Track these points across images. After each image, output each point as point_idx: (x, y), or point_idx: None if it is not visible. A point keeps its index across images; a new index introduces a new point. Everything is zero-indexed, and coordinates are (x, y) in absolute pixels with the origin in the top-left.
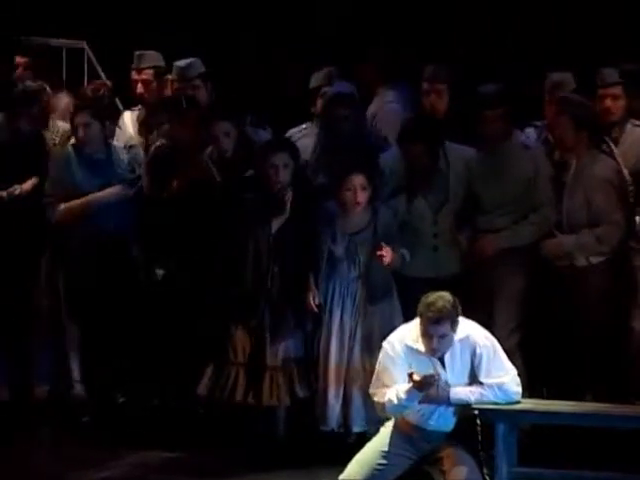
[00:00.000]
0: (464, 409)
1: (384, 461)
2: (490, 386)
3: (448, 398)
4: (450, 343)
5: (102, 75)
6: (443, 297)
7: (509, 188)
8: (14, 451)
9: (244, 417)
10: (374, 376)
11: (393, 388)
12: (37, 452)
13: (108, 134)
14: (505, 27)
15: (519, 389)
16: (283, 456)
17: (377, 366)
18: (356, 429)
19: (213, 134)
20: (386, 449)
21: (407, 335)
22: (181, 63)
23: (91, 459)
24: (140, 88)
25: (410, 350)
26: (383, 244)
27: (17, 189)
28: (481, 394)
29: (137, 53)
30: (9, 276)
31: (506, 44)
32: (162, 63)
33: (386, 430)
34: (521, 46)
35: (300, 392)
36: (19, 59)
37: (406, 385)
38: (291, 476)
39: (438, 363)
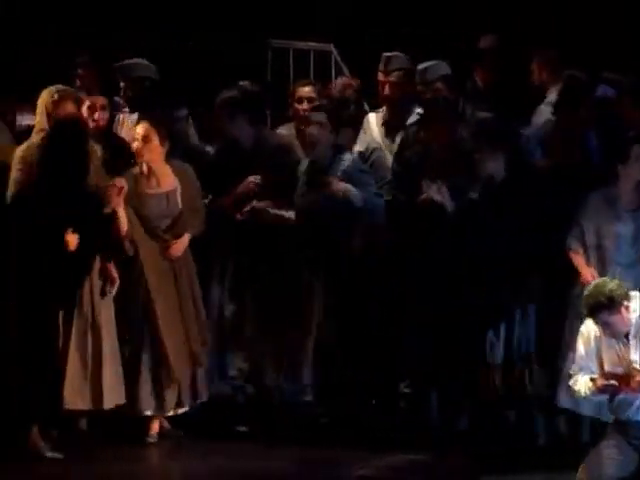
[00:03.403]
0: None
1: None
2: None
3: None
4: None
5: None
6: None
7: None
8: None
9: None
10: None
11: (581, 379)
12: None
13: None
14: None
15: None
16: None
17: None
18: None
19: None
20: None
21: None
22: (422, 66)
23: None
24: (387, 90)
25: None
26: None
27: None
28: None
29: (385, 55)
30: None
31: None
32: (406, 66)
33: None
34: None
35: None
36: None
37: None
38: None
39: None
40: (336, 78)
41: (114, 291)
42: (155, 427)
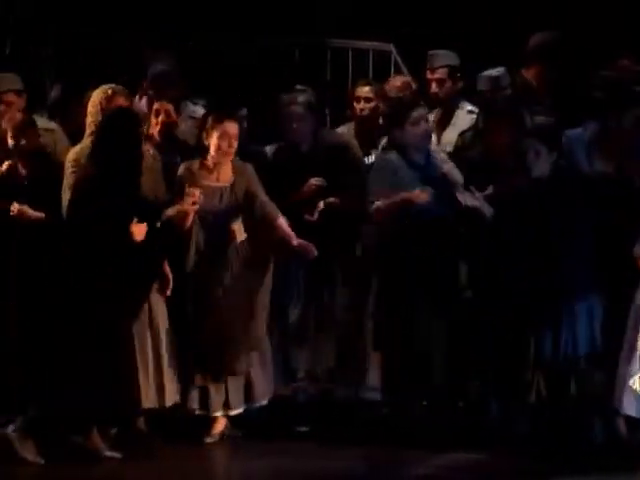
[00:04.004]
0: None
1: None
2: None
3: None
4: None
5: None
6: None
7: None
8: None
9: None
10: None
11: None
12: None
13: None
14: None
15: None
16: None
17: None
18: None
19: None
20: None
21: None
22: (431, 52)
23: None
24: (434, 87)
25: None
26: None
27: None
28: None
29: (430, 52)
30: None
31: None
32: (456, 62)
33: None
34: None
35: None
36: None
37: None
38: None
39: None
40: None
41: (169, 291)
42: (217, 427)
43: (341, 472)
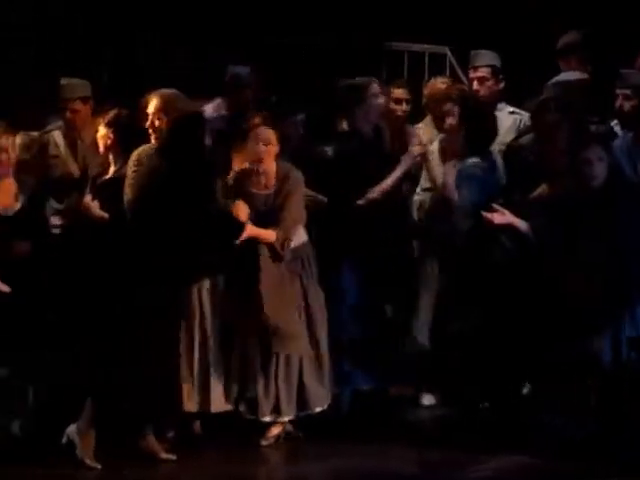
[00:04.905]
0: None
1: None
2: None
3: None
4: None
5: (464, 81)
6: None
7: None
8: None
9: None
10: None
11: None
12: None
13: None
14: None
15: None
16: None
17: None
18: None
19: None
20: None
21: None
22: (474, 51)
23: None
24: (476, 85)
25: None
26: None
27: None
28: None
29: (473, 52)
30: None
31: None
32: (498, 62)
33: None
34: None
35: None
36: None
37: None
38: None
39: None
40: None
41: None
42: (274, 430)
43: (397, 473)
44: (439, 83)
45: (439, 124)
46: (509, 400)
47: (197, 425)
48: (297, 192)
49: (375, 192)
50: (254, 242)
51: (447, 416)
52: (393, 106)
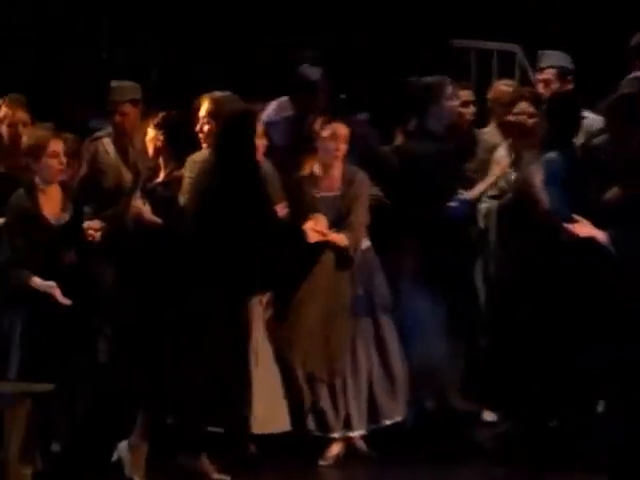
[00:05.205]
0: None
1: None
2: None
3: None
4: None
5: (533, 79)
6: None
7: None
8: None
9: None
10: None
11: None
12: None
13: None
14: None
15: None
16: None
17: None
18: None
19: None
20: None
21: None
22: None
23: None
24: (541, 88)
25: None
26: None
27: None
28: None
29: (540, 52)
30: None
31: None
32: (566, 63)
33: None
34: None
35: None
36: None
37: None
38: None
39: None
40: (520, 80)
41: (268, 314)
42: (333, 450)
43: None
44: (503, 86)
45: (507, 129)
46: (581, 418)
47: (252, 446)
48: (363, 195)
49: (468, 195)
50: (315, 250)
51: (511, 433)
52: (461, 109)
